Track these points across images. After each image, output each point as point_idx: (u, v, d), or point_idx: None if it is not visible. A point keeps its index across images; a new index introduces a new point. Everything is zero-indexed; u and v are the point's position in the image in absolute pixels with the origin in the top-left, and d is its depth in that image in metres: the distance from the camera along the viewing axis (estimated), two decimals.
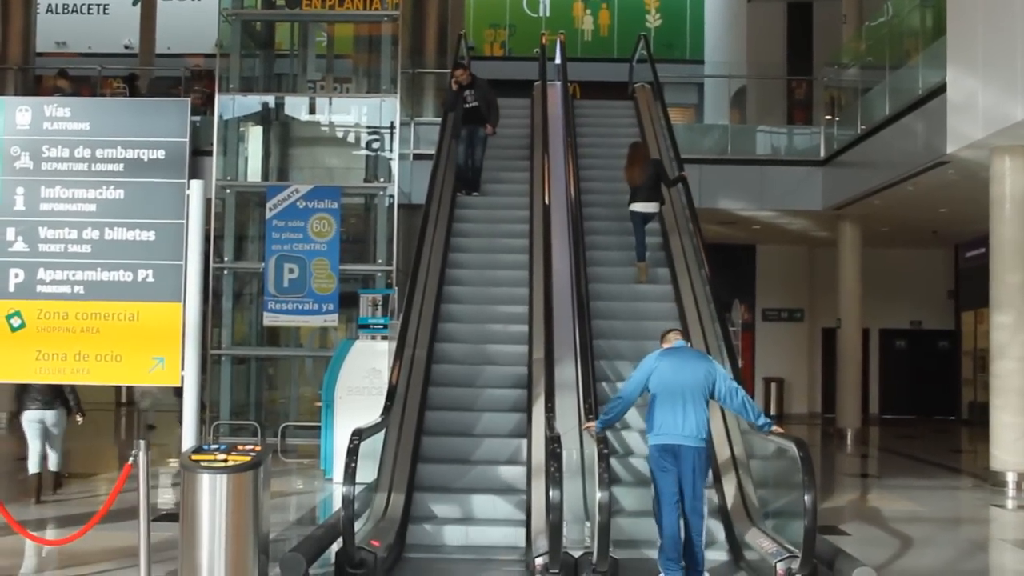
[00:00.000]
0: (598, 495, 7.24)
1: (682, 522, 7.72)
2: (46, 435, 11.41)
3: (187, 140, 7.54)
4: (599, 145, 16.46)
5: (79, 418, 11.58)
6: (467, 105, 15.10)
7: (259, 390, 17.06)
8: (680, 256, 13.32)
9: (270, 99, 18.03)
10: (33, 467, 11.25)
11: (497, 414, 10.61)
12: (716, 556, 8.61)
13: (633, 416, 10.09)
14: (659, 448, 7.76)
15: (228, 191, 16.66)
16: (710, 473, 9.01)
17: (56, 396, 11.09)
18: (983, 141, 13.36)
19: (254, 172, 17.71)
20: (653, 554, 8.41)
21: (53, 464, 11.61)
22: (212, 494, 6.59)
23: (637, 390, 8.00)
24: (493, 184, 15.28)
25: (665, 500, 7.69)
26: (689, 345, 8.66)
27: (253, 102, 17.75)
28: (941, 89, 14.22)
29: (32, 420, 11.27)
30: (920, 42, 16.18)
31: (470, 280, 13.14)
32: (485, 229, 14.28)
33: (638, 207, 13.36)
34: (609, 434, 9.47)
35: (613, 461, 9.16)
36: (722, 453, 9.67)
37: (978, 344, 22.60)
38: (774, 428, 8.14)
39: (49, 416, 11.33)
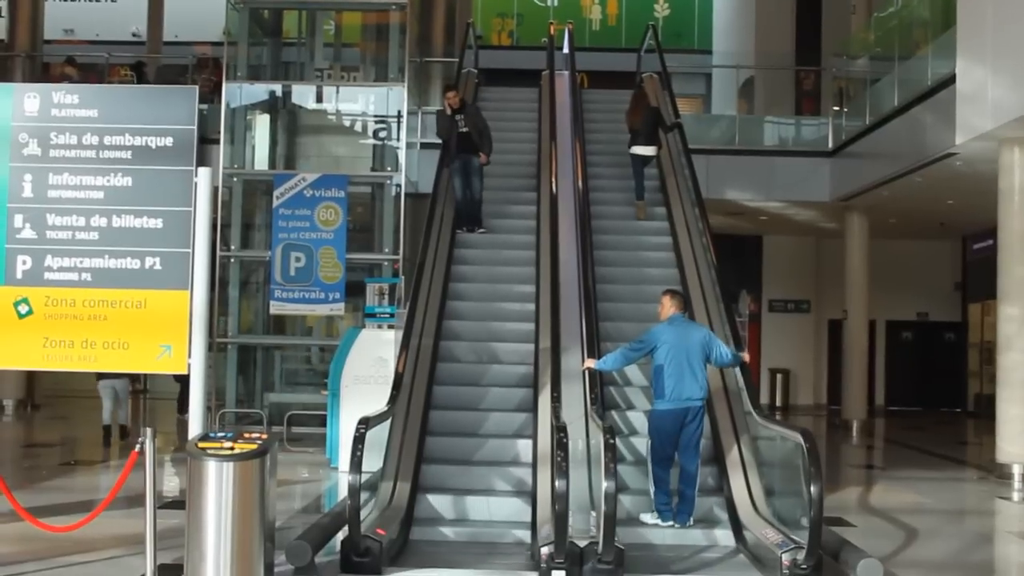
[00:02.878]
0: (604, 485, 7.24)
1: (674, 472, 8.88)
2: (115, 397, 14.84)
3: (195, 128, 7.53)
4: (607, 132, 16.41)
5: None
6: (460, 131, 13.83)
7: (265, 378, 17.07)
8: (676, 195, 14.59)
9: (277, 87, 18.04)
10: (105, 420, 14.87)
11: (504, 402, 10.64)
12: (722, 546, 8.61)
13: (639, 399, 10.45)
14: (667, 412, 8.87)
15: (235, 179, 16.68)
16: (715, 465, 9.52)
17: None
18: (992, 132, 13.32)
19: (261, 160, 17.72)
20: (657, 539, 8.45)
21: (122, 419, 15.02)
22: (218, 482, 6.59)
23: (641, 353, 9.17)
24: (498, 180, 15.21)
25: (661, 458, 8.88)
26: (686, 314, 9.52)
27: (260, 90, 17.76)
28: (950, 80, 14.17)
29: (106, 385, 14.71)
30: (929, 32, 16.13)
31: (475, 276, 13.13)
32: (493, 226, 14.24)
33: (638, 150, 14.64)
34: (614, 414, 9.50)
35: (616, 441, 9.11)
36: (728, 445, 9.67)
37: (985, 336, 22.56)
38: (743, 356, 9.59)
39: (119, 383, 14.82)
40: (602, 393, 9.56)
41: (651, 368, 9.21)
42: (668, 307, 9.22)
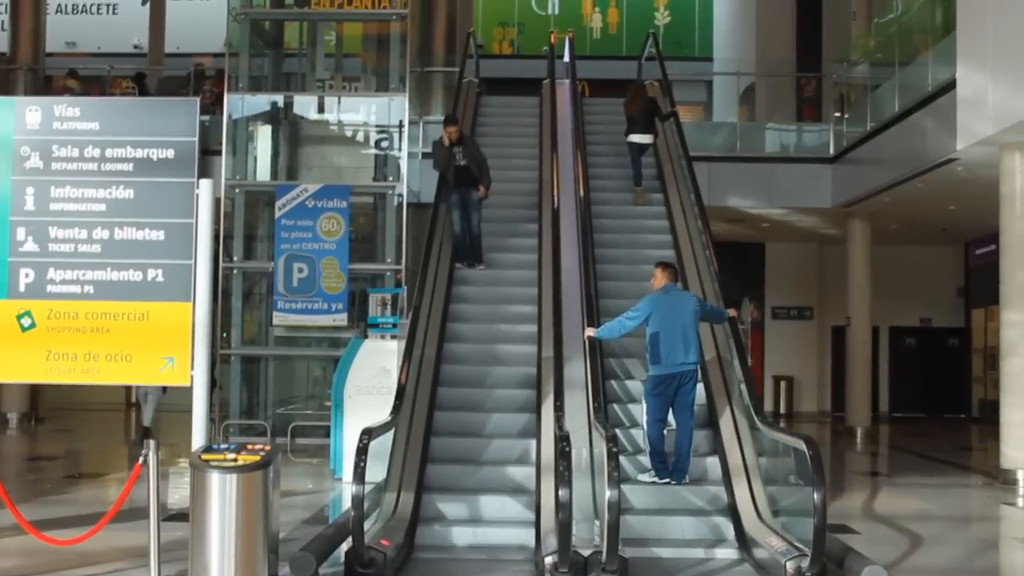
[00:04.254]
0: (607, 494, 7.24)
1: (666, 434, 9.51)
2: (145, 398, 15.87)
3: (196, 139, 7.55)
4: (608, 143, 16.46)
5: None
6: (457, 164, 13.30)
7: (269, 390, 17.06)
8: (672, 180, 15.20)
9: (279, 98, 18.03)
10: (146, 422, 15.93)
11: (505, 413, 10.62)
12: (726, 554, 8.61)
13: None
14: (662, 377, 9.47)
15: (237, 190, 16.67)
16: (719, 470, 9.59)
17: None
18: (993, 137, 13.33)
19: (263, 171, 17.71)
20: (664, 552, 8.45)
21: (146, 420, 15.88)
22: (222, 493, 6.59)
23: (636, 322, 9.70)
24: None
25: (655, 419, 9.47)
26: (678, 284, 10.17)
27: (262, 101, 17.75)
28: (951, 85, 14.18)
29: (141, 389, 15.93)
30: (929, 38, 16.14)
31: (478, 280, 13.14)
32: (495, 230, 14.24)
33: (635, 138, 15.27)
34: (619, 432, 9.52)
35: (623, 459, 9.18)
36: (732, 452, 9.67)
37: (988, 342, 22.55)
38: (730, 312, 10.48)
39: (152, 387, 15.25)
40: (605, 402, 9.57)
41: (646, 336, 9.70)
42: (661, 278, 9.88)
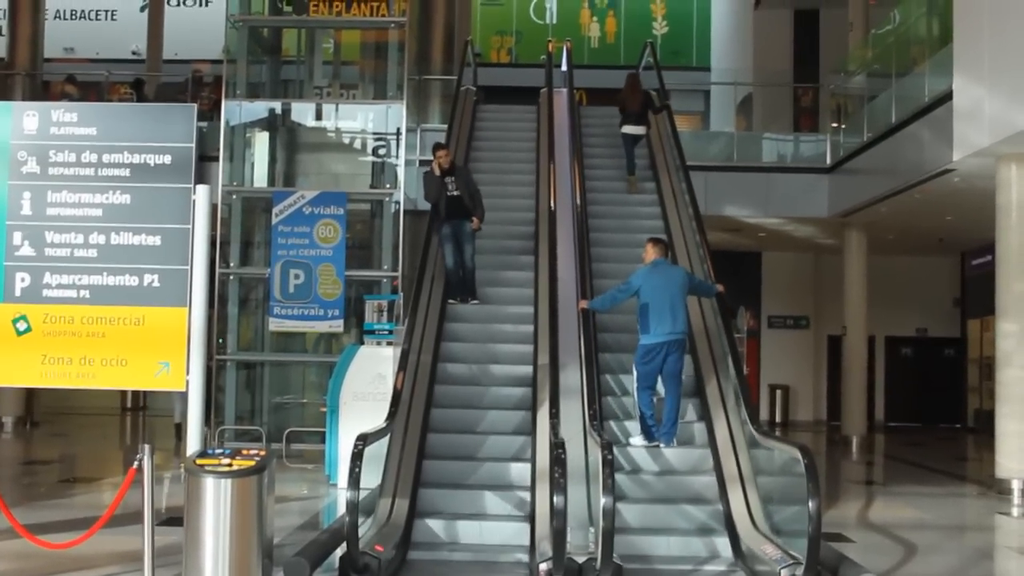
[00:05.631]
0: (602, 501, 7.25)
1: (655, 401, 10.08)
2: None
3: (194, 145, 7.57)
4: (605, 154, 16.52)
5: None
6: (449, 194, 12.75)
7: (264, 395, 17.06)
8: (664, 169, 15.76)
9: (277, 105, 18.05)
10: (176, 419, 16.80)
11: (502, 421, 10.63)
12: (720, 562, 8.61)
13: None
14: (651, 346, 9.98)
15: (234, 197, 16.68)
16: (715, 477, 9.63)
17: None
18: (989, 149, 13.35)
19: (260, 178, 17.73)
20: (662, 567, 8.45)
21: (177, 416, 16.72)
22: (216, 498, 6.59)
23: (627, 294, 10.24)
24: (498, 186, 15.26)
25: (644, 386, 10.02)
26: (668, 259, 10.66)
27: (260, 108, 17.77)
28: (947, 96, 14.21)
29: None
30: (926, 49, 16.17)
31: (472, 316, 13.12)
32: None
33: (628, 129, 15.93)
34: (616, 451, 9.55)
35: (621, 477, 9.21)
36: (727, 461, 9.69)
37: (984, 352, 22.56)
38: (718, 287, 10.93)
39: None
40: (600, 409, 9.58)
41: (637, 307, 10.26)
42: (651, 252, 10.38)
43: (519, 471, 9.73)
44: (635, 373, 10.19)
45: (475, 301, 12.73)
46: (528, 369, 11.17)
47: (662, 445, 9.93)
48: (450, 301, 12.63)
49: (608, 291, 10.68)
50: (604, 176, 15.81)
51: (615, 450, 8.54)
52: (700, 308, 11.68)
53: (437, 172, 12.81)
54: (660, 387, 10.19)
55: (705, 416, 10.42)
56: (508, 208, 14.93)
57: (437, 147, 13.11)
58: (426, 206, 13.88)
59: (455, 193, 12.77)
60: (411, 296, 12.07)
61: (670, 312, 9.96)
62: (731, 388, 10.42)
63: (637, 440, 10.03)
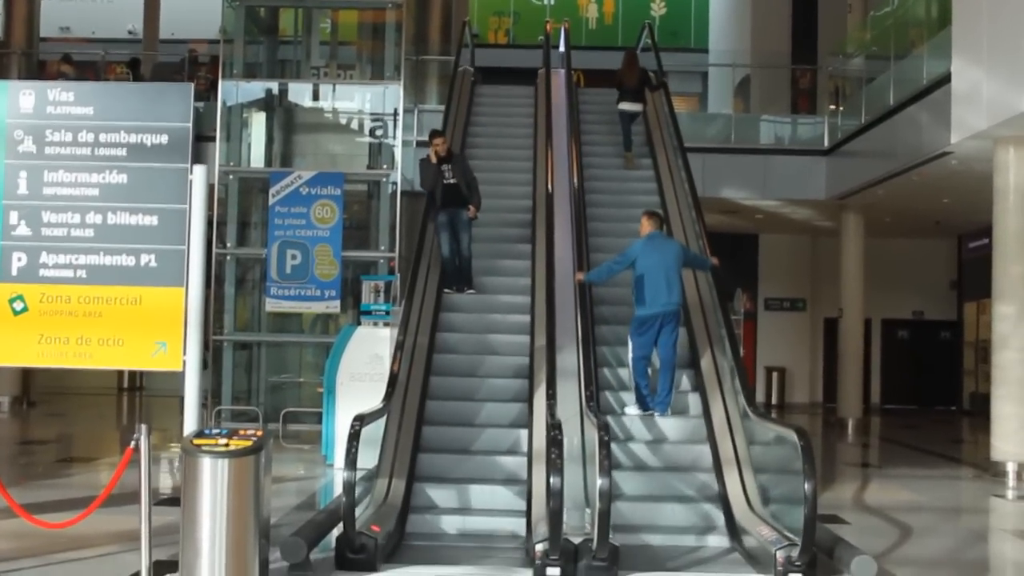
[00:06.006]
0: (599, 482, 7.26)
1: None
2: None
3: (190, 125, 7.56)
4: (603, 132, 16.49)
5: None
6: (446, 182, 12.55)
7: (261, 375, 17.07)
8: (660, 146, 15.90)
9: (274, 85, 18.01)
10: None
11: (498, 404, 10.64)
12: (716, 543, 8.64)
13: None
14: (646, 317, 10.18)
15: (231, 177, 16.66)
16: (711, 460, 9.66)
17: None
18: (987, 131, 13.34)
19: (257, 158, 17.70)
20: (653, 539, 8.49)
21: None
22: (213, 478, 6.58)
23: (622, 266, 10.44)
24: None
25: (639, 356, 10.23)
26: (663, 232, 10.82)
27: (257, 88, 17.73)
28: (945, 79, 14.20)
29: None
30: (925, 32, 16.16)
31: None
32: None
33: (625, 106, 16.09)
34: (610, 419, 9.57)
35: (613, 446, 9.19)
36: (723, 442, 9.71)
37: (980, 335, 22.62)
38: (713, 260, 11.13)
39: None
40: (597, 391, 9.59)
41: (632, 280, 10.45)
42: (647, 226, 10.55)
43: (516, 449, 9.76)
44: (630, 344, 10.36)
45: (471, 291, 12.52)
46: (525, 359, 11.16)
47: (656, 414, 10.14)
48: (446, 290, 12.43)
49: (604, 263, 10.85)
50: (602, 154, 15.86)
51: (610, 421, 8.57)
52: (695, 282, 11.85)
53: (433, 160, 12.62)
54: (655, 358, 10.35)
55: (699, 387, 10.63)
56: (505, 193, 14.84)
57: (434, 135, 12.90)
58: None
59: (452, 181, 12.56)
60: (407, 283, 11.95)
61: (665, 284, 10.15)
62: (727, 368, 10.47)
63: (632, 409, 10.23)
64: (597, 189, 14.47)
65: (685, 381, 10.80)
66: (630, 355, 10.39)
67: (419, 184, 13.22)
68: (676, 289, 10.26)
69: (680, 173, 14.37)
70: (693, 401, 10.59)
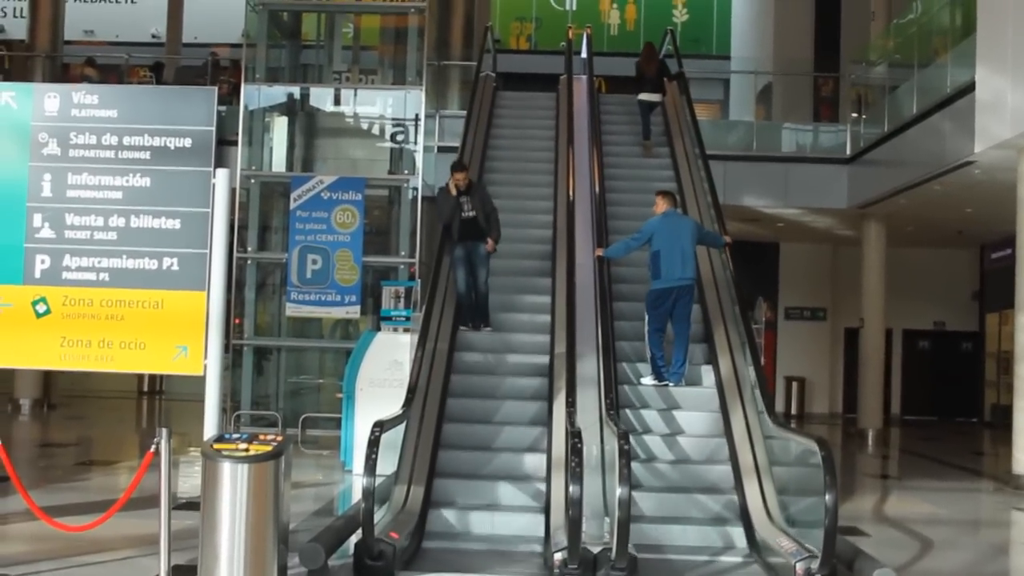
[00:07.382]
0: (618, 491, 7.23)
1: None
2: None
3: (214, 129, 7.57)
4: (625, 141, 16.48)
5: None
6: (464, 215, 12.00)
7: (280, 380, 17.08)
8: (677, 134, 16.42)
9: (296, 90, 18.04)
10: None
11: (518, 408, 10.62)
12: (736, 551, 8.59)
13: (655, 421, 10.40)
14: (661, 291, 10.66)
15: (253, 181, 16.69)
16: (731, 475, 9.61)
17: None
18: (1011, 141, 13.27)
19: (279, 162, 17.74)
20: (675, 557, 8.46)
21: None
22: (233, 483, 6.59)
23: (639, 243, 10.97)
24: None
25: (655, 328, 10.69)
26: (677, 210, 11.33)
27: (279, 92, 17.77)
28: (969, 88, 14.12)
29: None
30: (949, 40, 16.07)
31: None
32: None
33: (644, 96, 16.73)
34: (632, 440, 9.53)
35: (637, 466, 9.18)
36: (743, 454, 9.66)
37: (1002, 346, 22.46)
38: (726, 238, 11.62)
39: None
40: (617, 398, 9.56)
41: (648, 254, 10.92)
42: (661, 204, 11.08)
43: (534, 461, 9.72)
44: (646, 316, 10.81)
45: (488, 328, 11.98)
46: (544, 359, 11.16)
47: (671, 384, 10.62)
48: (462, 327, 11.94)
49: (622, 240, 11.43)
50: (624, 165, 15.77)
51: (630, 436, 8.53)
52: (709, 259, 12.33)
53: (453, 192, 12.08)
54: (671, 330, 10.82)
55: (712, 360, 11.07)
56: (526, 208, 14.58)
57: (455, 168, 12.28)
58: None
59: (470, 215, 12.00)
60: (423, 318, 11.36)
61: (680, 258, 10.64)
62: (748, 378, 10.41)
63: (648, 380, 10.70)
64: (617, 202, 14.27)
65: (699, 354, 11.23)
66: (646, 327, 10.81)
67: (436, 217, 12.64)
68: (690, 264, 10.74)
69: (698, 161, 14.86)
70: (706, 372, 11.03)
